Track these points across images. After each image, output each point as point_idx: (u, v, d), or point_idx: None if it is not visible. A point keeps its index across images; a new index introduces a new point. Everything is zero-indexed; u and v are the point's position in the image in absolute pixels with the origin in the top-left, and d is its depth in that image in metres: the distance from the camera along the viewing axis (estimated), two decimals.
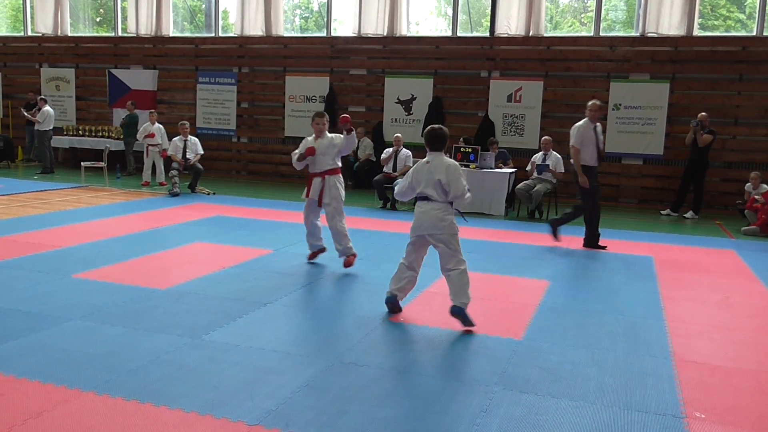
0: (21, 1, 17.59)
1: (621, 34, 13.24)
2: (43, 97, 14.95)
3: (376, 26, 14.09)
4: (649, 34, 12.50)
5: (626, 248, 8.23)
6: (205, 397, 3.51)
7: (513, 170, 11.22)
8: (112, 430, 3.14)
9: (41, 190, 11.51)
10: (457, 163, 5.07)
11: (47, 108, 14.45)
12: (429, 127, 5.18)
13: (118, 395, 3.50)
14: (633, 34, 12.92)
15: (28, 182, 12.65)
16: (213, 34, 15.71)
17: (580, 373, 4.08)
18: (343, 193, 6.55)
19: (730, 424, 3.46)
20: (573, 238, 8.83)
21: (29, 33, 17.26)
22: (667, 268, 7.20)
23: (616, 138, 12.67)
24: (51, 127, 14.47)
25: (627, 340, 4.76)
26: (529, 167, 10.85)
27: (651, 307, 5.65)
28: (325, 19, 15.00)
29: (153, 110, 13.41)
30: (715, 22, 13.33)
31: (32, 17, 17.07)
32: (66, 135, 15.84)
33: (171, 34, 15.89)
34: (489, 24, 13.50)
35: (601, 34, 12.95)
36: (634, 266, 7.24)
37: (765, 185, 10.39)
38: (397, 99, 14.02)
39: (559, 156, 10.73)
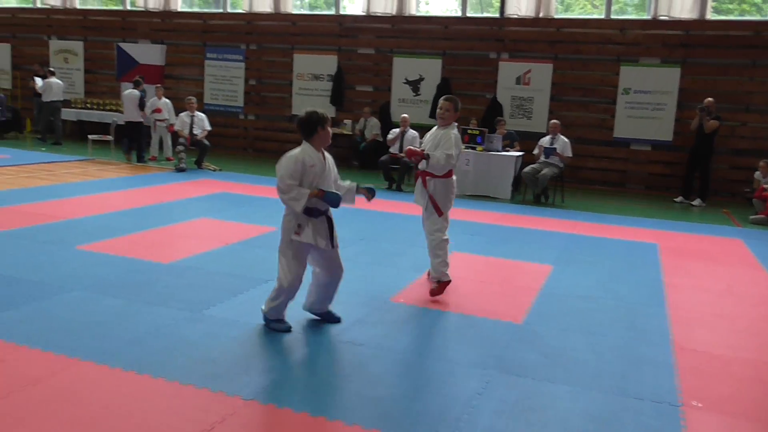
0: None
1: (632, 17, 13.08)
2: (51, 69, 14.93)
3: (385, 5, 13.96)
4: (661, 18, 12.34)
5: (631, 235, 8.19)
6: (202, 371, 3.53)
7: (520, 153, 11.15)
8: (109, 399, 3.16)
9: (48, 162, 11.53)
10: None
11: (50, 80, 14.42)
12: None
13: (116, 365, 3.52)
14: (645, 17, 12.76)
15: (36, 153, 12.67)
16: (221, 10, 15.61)
17: (577, 358, 4.08)
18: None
19: (726, 413, 3.46)
20: (577, 223, 8.80)
21: (38, 5, 17.18)
22: (672, 255, 7.17)
23: (625, 123, 12.57)
24: (57, 99, 14.45)
25: (626, 326, 4.75)
26: (536, 151, 10.78)
27: (653, 294, 5.63)
28: None
29: (159, 85, 13.36)
30: (729, 6, 13.13)
31: None
32: (74, 108, 15.83)
33: (179, 9, 15.80)
34: (499, 5, 13.36)
35: (612, 16, 12.80)
36: (638, 253, 7.21)
37: None
38: (405, 79, 13.93)
39: (566, 140, 10.65)
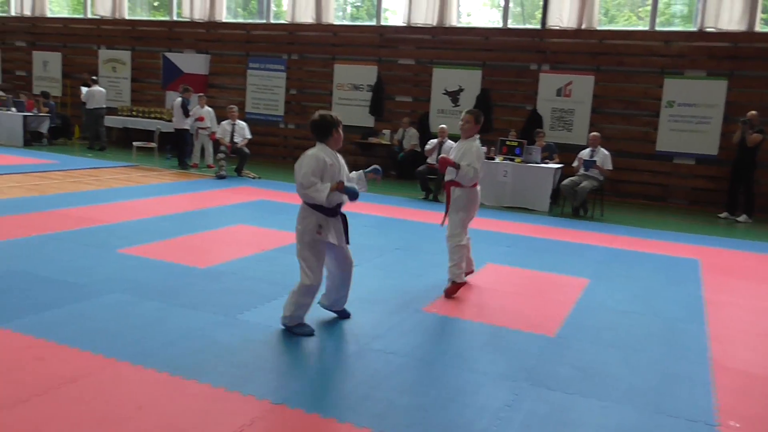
0: None
1: (678, 28, 12.86)
2: (94, 77, 15.43)
3: (425, 16, 14.01)
4: (708, 30, 12.11)
5: (672, 250, 8.02)
6: (233, 374, 3.58)
7: (559, 166, 11.03)
8: (142, 399, 3.23)
9: (94, 168, 11.85)
10: None
11: (93, 88, 14.95)
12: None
13: (150, 366, 3.59)
14: (691, 29, 12.53)
15: (83, 159, 13.04)
16: (264, 21, 15.88)
17: (610, 373, 4.01)
18: None
19: None
20: (616, 237, 8.66)
21: (89, 15, 17.73)
22: (714, 272, 7.00)
23: (668, 136, 12.35)
24: (100, 106, 14.95)
25: (663, 342, 4.65)
26: (575, 163, 10.66)
27: (692, 310, 5.51)
28: (376, 8, 14.99)
29: (202, 94, 13.64)
30: None
31: (92, 0, 17.52)
32: (120, 115, 16.26)
33: (224, 20, 16.12)
34: (541, 16, 13.28)
35: (657, 28, 12.61)
36: (679, 268, 7.05)
37: None
38: (445, 90, 13.94)
39: (607, 153, 10.51)
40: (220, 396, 3.32)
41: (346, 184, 4.20)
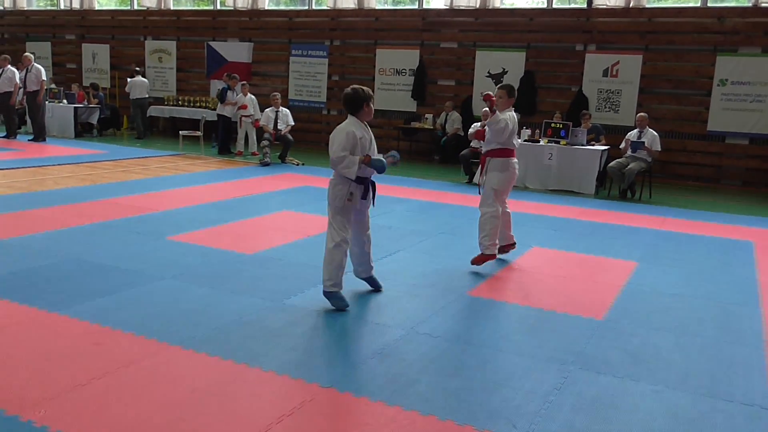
0: None
1: (731, 4, 12.42)
2: (137, 68, 15.93)
3: None
4: (763, 5, 11.66)
5: (724, 232, 7.81)
6: (283, 358, 3.63)
7: (605, 147, 10.82)
8: (195, 382, 3.31)
9: (142, 157, 12.12)
10: None
11: (135, 78, 15.43)
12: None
13: (202, 351, 3.67)
14: (745, 4, 12.09)
15: (131, 149, 13.34)
16: (306, 7, 15.92)
17: (662, 357, 3.94)
18: None
19: None
20: (666, 219, 8.47)
21: (135, 7, 18.06)
22: None
23: (720, 116, 11.98)
24: (141, 96, 15.39)
25: (717, 326, 4.54)
26: (623, 145, 10.43)
27: (747, 293, 5.36)
28: None
29: (245, 82, 13.78)
30: None
31: None
32: (166, 105, 16.57)
33: (267, 7, 16.22)
34: None
35: (708, 4, 12.20)
36: (732, 251, 6.87)
37: None
38: (488, 73, 13.78)
39: (655, 133, 10.25)
40: (270, 379, 3.38)
41: (373, 157, 4.41)
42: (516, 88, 5.85)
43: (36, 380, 3.24)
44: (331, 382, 3.36)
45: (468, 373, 3.58)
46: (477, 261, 5.67)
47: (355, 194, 4.45)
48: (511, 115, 5.67)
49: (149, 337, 3.84)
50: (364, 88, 4.53)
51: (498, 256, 5.94)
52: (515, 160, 5.82)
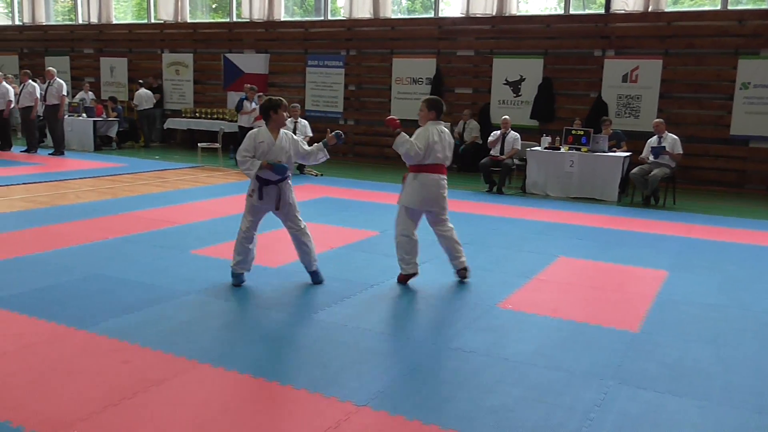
0: None
1: (751, 6, 12.26)
2: (140, 81, 16.67)
3: (485, 6, 13.77)
4: None
5: (754, 238, 7.66)
6: (314, 375, 3.56)
7: (627, 154, 10.69)
8: (226, 401, 3.25)
9: (161, 170, 12.14)
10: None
11: (139, 91, 16.34)
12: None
13: (232, 368, 3.61)
14: (766, 6, 11.93)
15: (150, 162, 13.37)
16: (322, 18, 15.93)
17: (703, 370, 3.82)
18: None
19: None
20: (692, 226, 8.33)
21: (152, 20, 18.17)
22: None
23: (743, 119, 11.79)
24: (147, 107, 16.27)
25: (757, 337, 4.42)
26: (644, 152, 10.29)
27: None
28: (432, 0, 14.84)
29: (261, 93, 13.79)
30: None
31: (155, 5, 17.93)
32: (184, 117, 16.63)
33: (282, 19, 16.26)
34: (604, 0, 12.87)
35: (729, 7, 12.05)
36: (764, 258, 6.72)
37: None
38: (506, 80, 13.69)
39: (675, 137, 10.10)
40: (302, 398, 3.31)
41: (274, 162, 4.90)
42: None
43: (67, 400, 3.20)
44: (365, 401, 3.28)
45: (504, 389, 3.49)
46: (399, 279, 5.37)
47: (255, 191, 5.02)
48: (434, 129, 5.30)
49: (178, 354, 3.79)
50: (275, 98, 4.99)
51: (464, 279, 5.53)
52: (436, 176, 5.28)
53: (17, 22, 20.16)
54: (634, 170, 10.10)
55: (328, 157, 5.33)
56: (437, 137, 5.30)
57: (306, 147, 5.22)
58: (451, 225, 5.49)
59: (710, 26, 12.02)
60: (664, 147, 9.98)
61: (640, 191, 10.23)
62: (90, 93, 16.81)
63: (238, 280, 5.19)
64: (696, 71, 12.15)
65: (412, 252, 5.35)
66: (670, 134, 10.15)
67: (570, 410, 3.27)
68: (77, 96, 16.57)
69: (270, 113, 4.97)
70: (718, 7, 12.16)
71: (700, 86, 12.15)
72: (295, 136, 5.19)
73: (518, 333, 4.39)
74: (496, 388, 3.49)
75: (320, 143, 5.20)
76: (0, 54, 20.07)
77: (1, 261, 5.61)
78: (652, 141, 10.27)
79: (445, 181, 5.41)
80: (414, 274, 5.39)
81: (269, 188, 5.05)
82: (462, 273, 5.52)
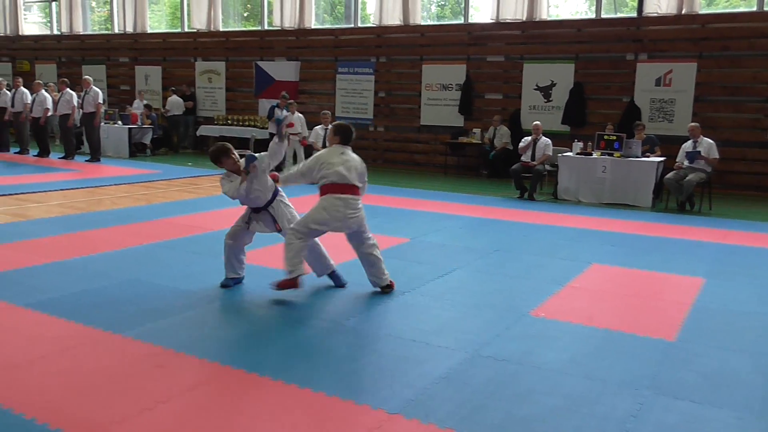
0: (179, 0, 18.87)
1: None
2: (173, 88, 17.20)
3: (515, 11, 13.71)
4: None
5: None
6: (346, 383, 3.57)
7: (661, 159, 10.54)
8: (258, 407, 3.27)
9: (194, 176, 12.30)
10: None
11: (171, 98, 16.96)
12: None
13: (265, 374, 3.64)
14: None
15: (183, 168, 13.56)
16: (352, 25, 16.02)
17: (742, 381, 3.74)
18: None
19: None
20: (729, 232, 8.17)
21: (186, 29, 18.46)
22: None
23: None
24: (177, 113, 16.92)
25: None
26: (679, 157, 10.13)
27: None
28: (462, 6, 14.83)
29: (292, 100, 13.90)
30: None
31: (188, 14, 18.23)
32: (216, 124, 16.85)
33: (313, 26, 16.38)
34: (636, 4, 12.73)
35: (764, 8, 11.82)
36: None
37: None
38: (536, 85, 13.60)
39: (711, 141, 9.93)
40: (335, 405, 3.32)
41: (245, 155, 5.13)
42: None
43: (102, 403, 3.25)
44: (397, 409, 3.28)
45: (537, 398, 3.46)
46: (281, 285, 5.01)
47: (252, 222, 5.42)
48: (317, 154, 5.40)
49: (211, 360, 3.82)
50: (220, 144, 5.23)
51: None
52: (340, 201, 5.26)
53: (56, 32, 20.64)
54: (669, 175, 9.95)
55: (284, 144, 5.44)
56: (335, 159, 5.25)
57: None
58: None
59: (745, 28, 11.81)
60: (700, 151, 9.82)
61: (674, 197, 10.07)
62: (145, 101, 17.14)
63: (225, 282, 5.34)
64: (731, 74, 11.94)
65: (309, 256, 5.40)
66: (706, 138, 9.98)
67: (605, 420, 3.22)
68: (134, 104, 16.92)
69: (220, 160, 5.17)
70: (754, 9, 11.95)
71: (736, 89, 11.94)
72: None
73: (551, 341, 4.35)
74: (529, 398, 3.45)
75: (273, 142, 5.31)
76: (39, 63, 20.58)
77: (40, 266, 5.74)
78: (687, 145, 10.11)
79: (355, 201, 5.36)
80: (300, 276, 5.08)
81: (260, 215, 5.36)
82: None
